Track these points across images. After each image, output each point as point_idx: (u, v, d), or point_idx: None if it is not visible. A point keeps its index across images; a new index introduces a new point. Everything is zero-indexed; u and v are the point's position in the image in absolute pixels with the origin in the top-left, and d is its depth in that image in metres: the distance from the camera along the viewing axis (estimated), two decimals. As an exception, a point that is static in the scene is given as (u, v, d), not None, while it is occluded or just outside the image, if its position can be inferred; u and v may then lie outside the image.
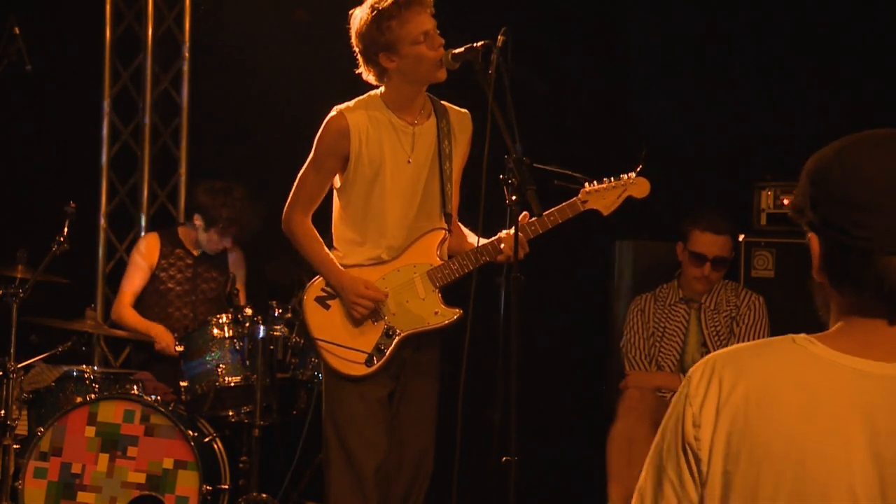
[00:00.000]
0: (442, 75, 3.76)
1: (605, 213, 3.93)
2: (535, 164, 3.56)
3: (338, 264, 3.88)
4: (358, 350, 3.81)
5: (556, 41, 5.73)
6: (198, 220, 5.33)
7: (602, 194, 3.91)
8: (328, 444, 3.88)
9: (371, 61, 3.77)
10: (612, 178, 3.93)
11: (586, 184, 3.91)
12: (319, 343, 3.86)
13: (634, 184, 3.94)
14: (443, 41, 3.73)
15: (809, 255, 1.62)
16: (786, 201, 5.08)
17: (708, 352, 4.73)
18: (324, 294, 3.90)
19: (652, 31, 5.74)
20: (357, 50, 3.79)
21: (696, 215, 4.77)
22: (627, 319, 4.89)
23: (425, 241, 3.91)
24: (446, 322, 3.87)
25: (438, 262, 3.90)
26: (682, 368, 4.76)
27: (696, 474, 1.54)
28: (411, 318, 3.87)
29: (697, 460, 1.53)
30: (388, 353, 3.84)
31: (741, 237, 5.08)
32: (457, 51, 3.71)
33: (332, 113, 3.84)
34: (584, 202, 3.89)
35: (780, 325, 4.81)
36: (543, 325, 5.40)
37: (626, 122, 5.64)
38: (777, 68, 5.62)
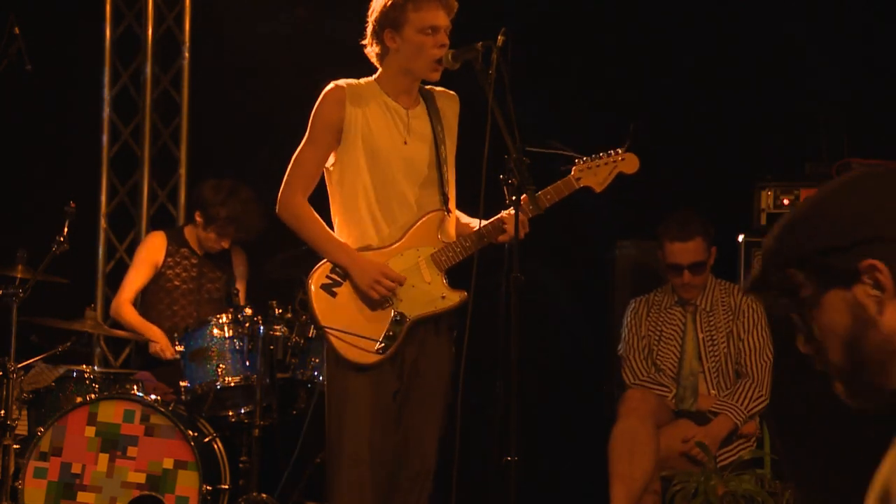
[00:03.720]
0: (435, 76, 3.79)
1: (598, 189, 3.94)
2: (526, 149, 3.56)
3: (348, 245, 3.82)
4: (368, 338, 3.77)
5: (557, 37, 5.73)
6: (198, 217, 5.34)
7: (594, 171, 3.92)
8: (331, 440, 3.83)
9: (377, 36, 3.79)
10: (603, 154, 3.94)
11: (577, 160, 3.92)
12: (328, 331, 3.79)
13: (624, 160, 3.94)
14: (448, 44, 3.74)
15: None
16: (786, 201, 5.07)
17: (704, 354, 4.73)
18: (329, 281, 3.83)
19: (652, 30, 5.74)
20: (369, 19, 3.80)
21: (664, 224, 4.74)
22: (624, 324, 4.88)
23: (426, 224, 3.87)
24: (453, 305, 3.84)
25: (441, 244, 3.86)
26: (681, 373, 4.74)
27: None
28: (419, 302, 3.82)
29: None
30: (399, 339, 3.79)
31: (741, 237, 5.08)
32: (457, 51, 3.71)
33: (328, 86, 3.85)
34: (578, 179, 3.90)
35: (780, 325, 4.80)
36: (543, 324, 5.40)
37: (625, 122, 5.63)
38: (776, 67, 5.62)
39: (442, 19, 3.74)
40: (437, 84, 3.90)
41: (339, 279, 3.83)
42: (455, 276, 3.90)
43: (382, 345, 3.77)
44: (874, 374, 1.59)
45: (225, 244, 5.35)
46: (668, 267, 4.74)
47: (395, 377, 3.85)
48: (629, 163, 3.94)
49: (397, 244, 3.84)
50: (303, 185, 3.84)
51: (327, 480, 3.88)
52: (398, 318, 3.80)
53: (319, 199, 3.93)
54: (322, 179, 3.91)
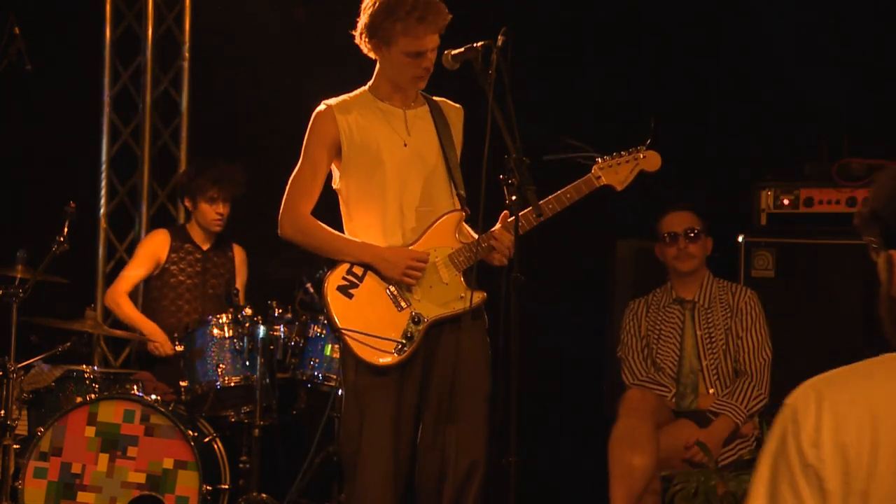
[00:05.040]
0: (420, 85, 3.80)
1: (619, 188, 3.90)
2: (544, 158, 3.55)
3: (365, 242, 3.77)
4: (387, 339, 3.72)
5: (557, 35, 5.73)
6: (188, 203, 5.41)
7: (615, 169, 3.88)
8: (350, 445, 3.74)
9: (365, 38, 3.78)
10: (624, 152, 3.91)
11: (598, 159, 3.89)
12: (346, 334, 3.72)
13: (646, 157, 3.92)
14: (432, 64, 3.74)
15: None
16: (786, 201, 5.08)
17: (702, 352, 4.74)
18: (346, 282, 3.77)
19: (652, 30, 5.74)
20: (362, 13, 3.78)
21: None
22: (623, 325, 4.89)
23: (443, 224, 3.83)
24: (471, 306, 3.78)
25: (458, 244, 3.82)
26: (681, 370, 4.74)
27: (816, 493, 1.60)
28: (436, 303, 3.78)
29: (820, 479, 1.59)
30: (417, 341, 3.74)
31: (741, 237, 5.08)
32: (457, 51, 3.70)
33: (318, 108, 3.84)
34: (598, 178, 3.87)
35: (780, 324, 4.81)
36: (543, 325, 5.40)
37: (625, 122, 5.64)
38: (776, 67, 5.62)
39: (430, 42, 3.71)
40: (437, 83, 3.89)
41: (355, 280, 3.78)
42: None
43: (400, 346, 3.74)
44: None
45: (222, 208, 5.34)
46: (664, 240, 4.78)
47: (417, 378, 3.79)
48: (651, 160, 3.92)
49: (415, 245, 3.80)
50: (303, 201, 3.81)
51: (347, 485, 3.80)
52: (416, 319, 3.76)
53: (327, 219, 3.92)
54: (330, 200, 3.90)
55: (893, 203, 1.68)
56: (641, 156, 3.91)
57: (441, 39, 3.75)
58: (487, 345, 3.86)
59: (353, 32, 3.82)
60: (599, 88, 5.71)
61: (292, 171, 3.89)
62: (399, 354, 3.72)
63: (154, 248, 5.41)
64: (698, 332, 4.76)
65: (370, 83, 3.87)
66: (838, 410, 1.60)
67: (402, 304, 3.78)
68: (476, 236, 3.84)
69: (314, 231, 3.82)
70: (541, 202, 3.64)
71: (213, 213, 5.35)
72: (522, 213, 3.58)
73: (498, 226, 3.77)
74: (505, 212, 3.74)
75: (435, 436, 3.78)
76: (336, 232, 3.83)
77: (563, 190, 3.79)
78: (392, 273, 3.74)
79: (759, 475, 1.66)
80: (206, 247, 5.44)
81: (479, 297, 3.81)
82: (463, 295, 3.80)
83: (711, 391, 4.70)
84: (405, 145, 3.82)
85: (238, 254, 5.52)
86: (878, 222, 1.69)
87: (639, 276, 5.25)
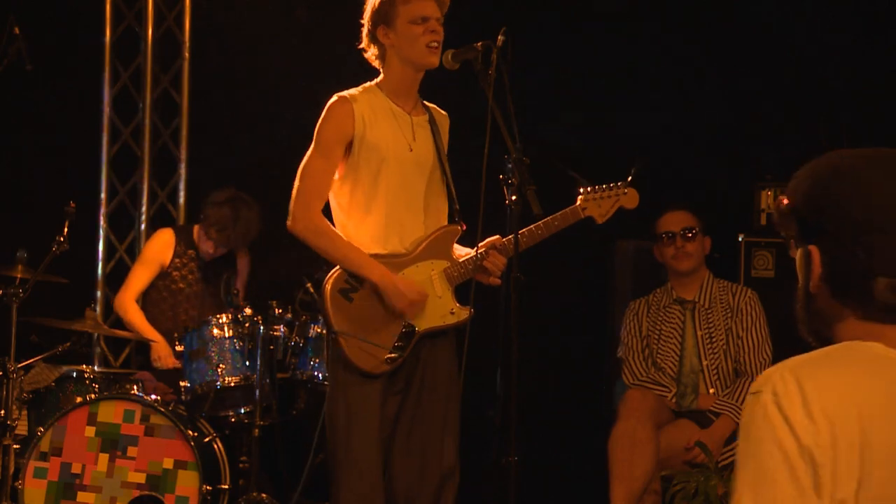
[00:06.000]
0: (434, 59, 3.76)
1: (600, 221, 4.03)
2: (551, 159, 3.58)
3: (381, 264, 3.76)
4: (380, 346, 3.73)
5: (558, 34, 5.73)
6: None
7: (598, 203, 4.00)
8: (338, 447, 3.76)
9: (373, 37, 3.79)
10: (606, 186, 4.01)
11: (582, 189, 3.98)
12: (340, 336, 3.74)
13: (626, 194, 4.04)
14: (440, 30, 3.74)
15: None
16: (786, 201, 5.09)
17: (703, 352, 4.74)
18: (347, 286, 3.78)
19: (652, 30, 5.74)
20: (363, 21, 3.80)
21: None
22: (623, 325, 4.90)
23: (441, 238, 3.86)
24: (461, 321, 3.83)
25: (455, 259, 3.87)
26: (682, 370, 4.75)
27: (814, 480, 1.55)
28: (429, 316, 3.81)
29: (817, 465, 1.55)
30: (407, 351, 3.78)
31: (741, 237, 5.09)
32: (457, 51, 3.72)
33: (333, 98, 3.81)
34: (584, 209, 3.98)
35: (780, 324, 4.81)
36: (543, 325, 5.41)
37: (624, 122, 5.64)
38: (776, 67, 5.62)
39: (432, 10, 3.74)
40: (438, 86, 3.89)
41: (356, 284, 3.78)
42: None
43: (393, 355, 3.76)
44: (819, 324, 1.72)
45: (212, 248, 5.34)
46: (662, 240, 4.81)
47: (400, 387, 3.82)
48: (630, 198, 4.04)
49: (412, 256, 3.82)
50: (316, 199, 3.78)
51: (335, 482, 3.80)
52: (407, 329, 3.78)
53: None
54: None
55: (810, 199, 1.70)
56: (623, 192, 4.03)
57: (441, 29, 3.76)
58: (456, 352, 3.90)
59: (361, 46, 3.83)
60: (599, 88, 5.71)
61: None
62: (389, 365, 3.76)
63: (160, 250, 5.41)
64: (699, 333, 4.77)
65: (380, 81, 3.86)
66: (821, 396, 1.56)
67: (397, 314, 3.80)
68: (463, 255, 3.88)
69: (329, 236, 3.79)
70: (529, 228, 3.74)
71: (205, 246, 5.36)
72: (522, 231, 3.66)
73: (487, 249, 3.80)
74: (497, 235, 3.80)
75: (409, 440, 3.81)
76: (352, 244, 3.79)
77: (551, 217, 3.86)
78: (397, 302, 3.75)
79: (743, 468, 1.61)
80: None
81: (466, 312, 3.85)
82: (454, 310, 3.85)
83: (712, 391, 4.71)
84: (410, 150, 3.83)
85: (241, 256, 5.51)
86: (795, 217, 1.70)
87: (639, 276, 5.26)
